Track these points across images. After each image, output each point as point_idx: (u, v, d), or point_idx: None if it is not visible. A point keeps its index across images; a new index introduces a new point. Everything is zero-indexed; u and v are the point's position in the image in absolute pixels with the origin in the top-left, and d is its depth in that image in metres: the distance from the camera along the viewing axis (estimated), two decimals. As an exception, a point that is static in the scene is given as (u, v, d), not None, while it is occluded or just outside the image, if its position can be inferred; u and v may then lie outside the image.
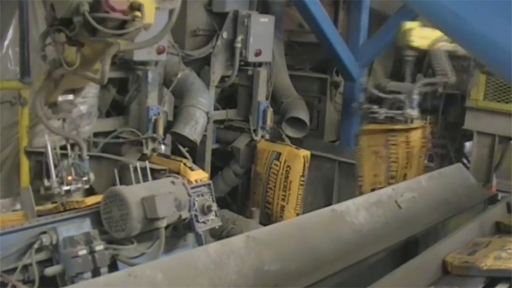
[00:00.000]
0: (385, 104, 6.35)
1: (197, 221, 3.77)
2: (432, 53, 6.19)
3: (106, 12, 2.95)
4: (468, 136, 7.19)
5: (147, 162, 3.87)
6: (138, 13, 3.01)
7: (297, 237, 3.35)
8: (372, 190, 5.44)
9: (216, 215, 3.88)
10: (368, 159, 5.96)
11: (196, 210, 3.74)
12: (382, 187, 5.42)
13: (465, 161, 7.58)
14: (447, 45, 6.19)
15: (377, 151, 6.05)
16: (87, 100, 5.33)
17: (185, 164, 4.79)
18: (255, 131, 6.53)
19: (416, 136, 6.01)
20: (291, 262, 3.17)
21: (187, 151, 5.84)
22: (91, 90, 5.36)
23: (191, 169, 4.74)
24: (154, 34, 3.26)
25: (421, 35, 6.34)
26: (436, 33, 6.23)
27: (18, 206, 4.08)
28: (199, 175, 4.67)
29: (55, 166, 3.94)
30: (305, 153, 6.13)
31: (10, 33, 5.30)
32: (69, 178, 3.89)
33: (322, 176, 6.48)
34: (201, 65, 6.35)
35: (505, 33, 1.99)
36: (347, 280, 3.36)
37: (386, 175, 5.94)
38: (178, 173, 4.53)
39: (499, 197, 5.36)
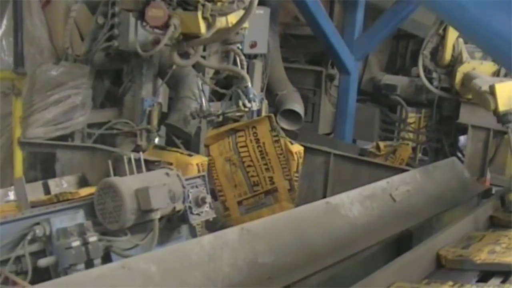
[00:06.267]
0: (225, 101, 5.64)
1: (191, 213, 3.75)
2: None
3: None
4: (463, 130, 7.20)
5: (141, 153, 3.85)
6: None
7: (291, 230, 3.35)
8: (239, 202, 5.10)
9: (210, 207, 3.87)
10: (223, 170, 5.13)
11: (190, 202, 3.72)
12: (248, 198, 5.10)
13: (459, 155, 7.60)
14: None
15: (230, 158, 5.13)
16: (81, 91, 5.31)
17: (181, 153, 4.75)
18: (250, 123, 6.50)
19: (264, 130, 5.06)
20: (285, 254, 3.17)
21: (181, 143, 5.82)
22: (85, 81, 5.33)
23: (189, 155, 4.69)
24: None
25: None
26: None
27: (11, 197, 4.06)
28: (200, 159, 4.61)
29: None
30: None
31: (3, 24, 5.27)
32: None
33: (316, 169, 6.44)
34: (196, 57, 6.31)
35: (506, 22, 1.99)
36: (341, 273, 3.36)
37: (248, 183, 5.12)
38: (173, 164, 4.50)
39: (493, 191, 5.37)
